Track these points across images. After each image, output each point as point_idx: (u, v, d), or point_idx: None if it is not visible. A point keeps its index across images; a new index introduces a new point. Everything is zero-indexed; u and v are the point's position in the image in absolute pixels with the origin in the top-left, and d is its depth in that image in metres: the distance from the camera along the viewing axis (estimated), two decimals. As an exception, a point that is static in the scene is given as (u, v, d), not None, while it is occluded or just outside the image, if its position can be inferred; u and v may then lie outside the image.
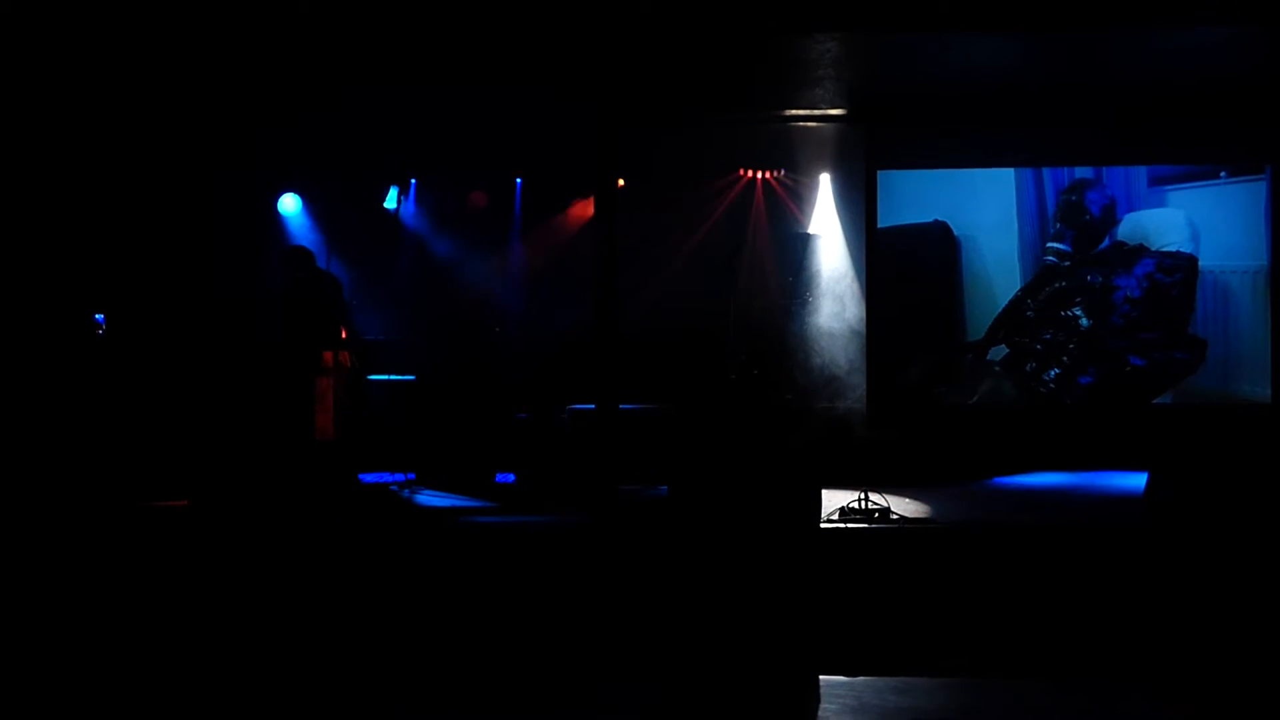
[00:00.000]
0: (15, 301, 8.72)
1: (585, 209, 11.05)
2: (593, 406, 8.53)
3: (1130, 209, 9.99)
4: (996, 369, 10.04)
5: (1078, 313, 9.94)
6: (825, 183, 10.98)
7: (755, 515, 6.54)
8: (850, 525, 7.42)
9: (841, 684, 5.70)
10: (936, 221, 10.08)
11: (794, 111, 9.72)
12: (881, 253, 10.12)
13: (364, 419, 10.09)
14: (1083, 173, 10.03)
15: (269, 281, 9.95)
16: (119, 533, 7.30)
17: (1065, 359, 9.95)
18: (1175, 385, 9.87)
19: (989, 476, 9.56)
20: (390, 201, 10.92)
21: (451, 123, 9.80)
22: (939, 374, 10.08)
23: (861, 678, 5.77)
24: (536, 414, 9.33)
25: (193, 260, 9.81)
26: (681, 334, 10.11)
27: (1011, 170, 10.10)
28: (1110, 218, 9.98)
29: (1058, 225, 10.01)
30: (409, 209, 11.33)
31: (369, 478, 9.23)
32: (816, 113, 9.75)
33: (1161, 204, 9.98)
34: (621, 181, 9.61)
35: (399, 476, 9.16)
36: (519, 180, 11.29)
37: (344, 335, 10.07)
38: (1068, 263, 9.98)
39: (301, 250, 9.28)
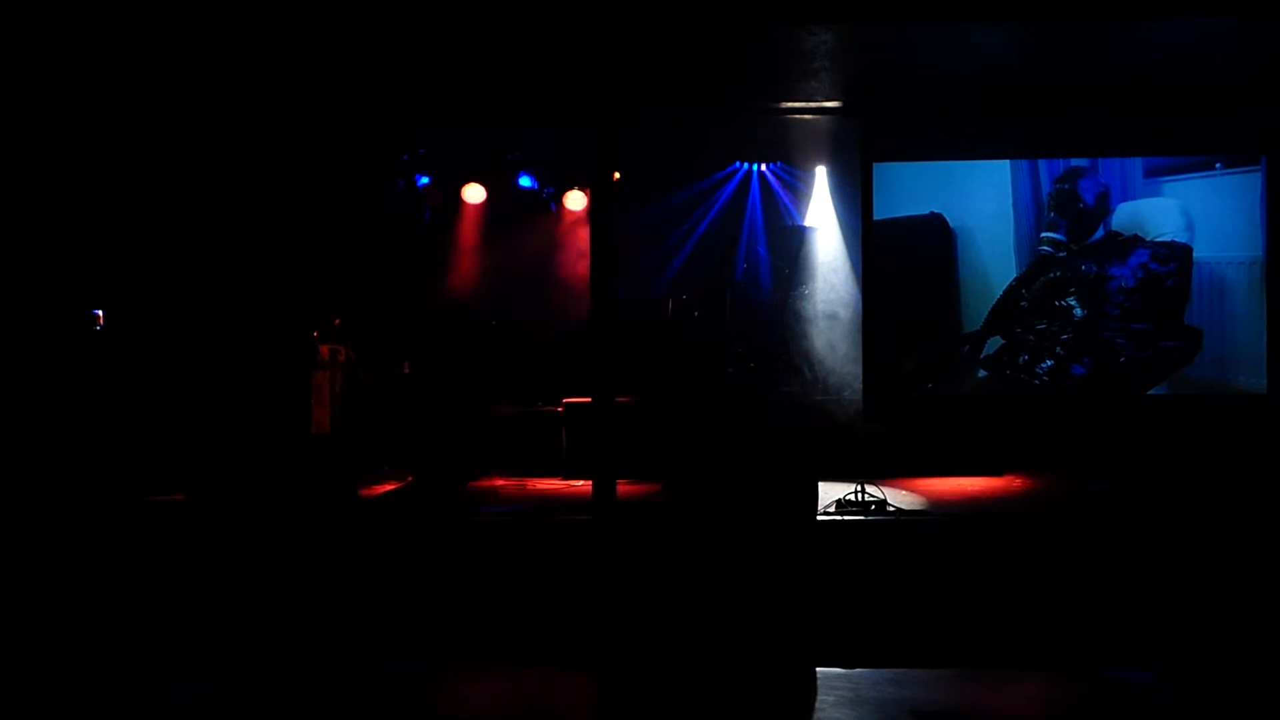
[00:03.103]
0: (14, 296, 8.71)
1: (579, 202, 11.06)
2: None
3: (1126, 200, 9.99)
4: (991, 361, 10.05)
5: (1072, 302, 9.95)
6: (821, 175, 10.99)
7: (753, 508, 6.56)
8: (847, 518, 7.43)
9: (839, 675, 5.72)
10: (932, 214, 10.08)
11: (790, 104, 9.70)
12: (878, 245, 10.11)
13: (360, 413, 10.11)
14: (1078, 164, 10.03)
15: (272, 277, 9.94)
16: (116, 527, 7.30)
17: (1059, 349, 9.95)
18: (1170, 376, 9.88)
19: (985, 469, 9.56)
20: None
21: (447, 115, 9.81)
22: (935, 366, 10.08)
23: (859, 669, 5.79)
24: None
25: (191, 254, 9.80)
26: (677, 327, 10.11)
27: (1007, 162, 10.10)
28: (1104, 206, 9.98)
29: (1051, 214, 10.02)
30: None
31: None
32: (812, 105, 9.74)
33: (1157, 195, 9.98)
34: (617, 174, 9.61)
35: None
36: (520, 175, 11.28)
37: (337, 323, 10.07)
38: (1063, 253, 9.99)
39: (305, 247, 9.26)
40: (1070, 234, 9.99)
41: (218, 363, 9.32)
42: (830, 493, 7.61)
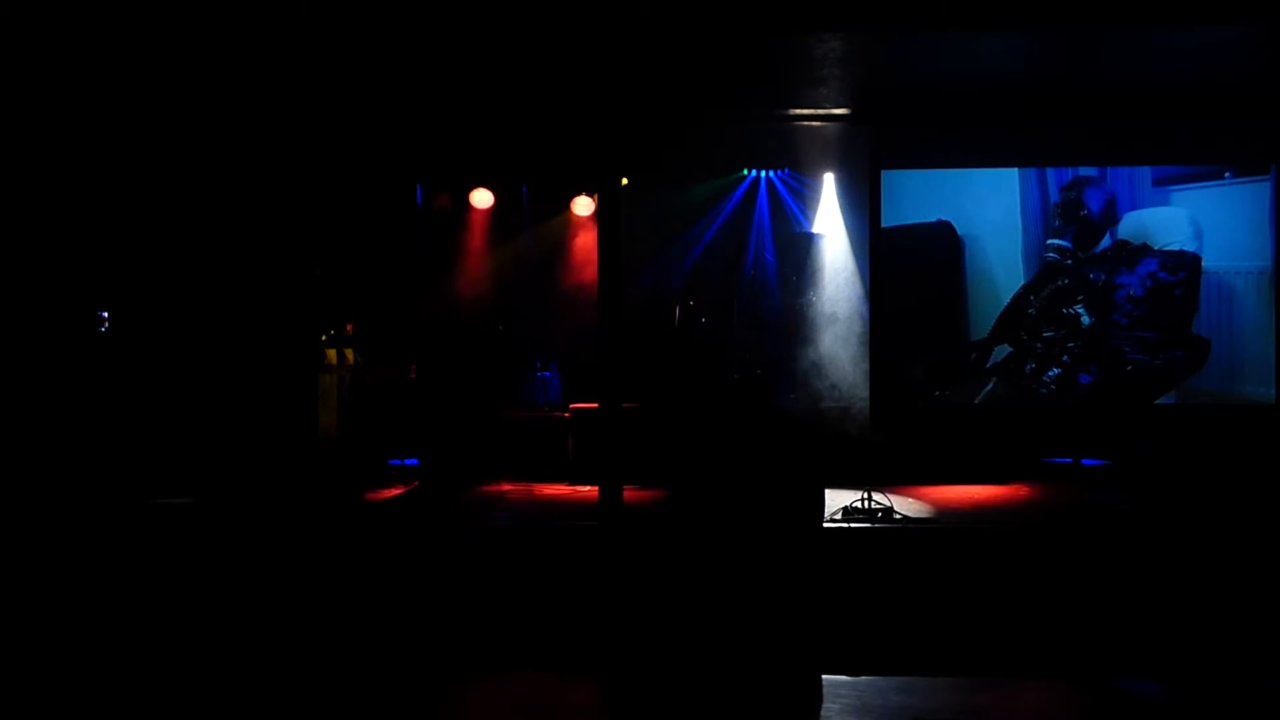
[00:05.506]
0: (20, 296, 8.73)
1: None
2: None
3: (1134, 209, 9.98)
4: (998, 369, 10.04)
5: (1079, 310, 9.94)
6: (829, 182, 10.96)
7: (759, 515, 6.55)
8: (853, 525, 7.42)
9: (844, 683, 5.70)
10: (940, 221, 10.07)
11: (798, 111, 9.72)
12: (885, 252, 10.12)
13: (367, 416, 10.11)
14: (1086, 173, 10.02)
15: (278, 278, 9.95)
16: (122, 529, 7.30)
17: (1066, 358, 9.94)
18: (1178, 385, 9.87)
19: (992, 477, 9.54)
20: None
21: (458, 123, 9.83)
22: (942, 374, 10.08)
23: (864, 677, 5.78)
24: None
25: (198, 257, 9.82)
26: (684, 334, 10.10)
27: (1015, 170, 10.10)
28: (1110, 215, 9.97)
29: (1057, 222, 10.02)
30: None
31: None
32: (821, 112, 9.76)
33: (1165, 204, 9.97)
34: (625, 180, 9.59)
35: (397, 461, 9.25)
36: (525, 186, 11.27)
37: (349, 329, 10.09)
38: (1069, 260, 9.98)
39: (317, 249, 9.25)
40: (1076, 241, 9.99)
41: (224, 366, 9.34)
42: (837, 500, 7.60)
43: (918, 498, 8.46)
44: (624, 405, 8.20)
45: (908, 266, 10.08)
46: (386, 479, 9.29)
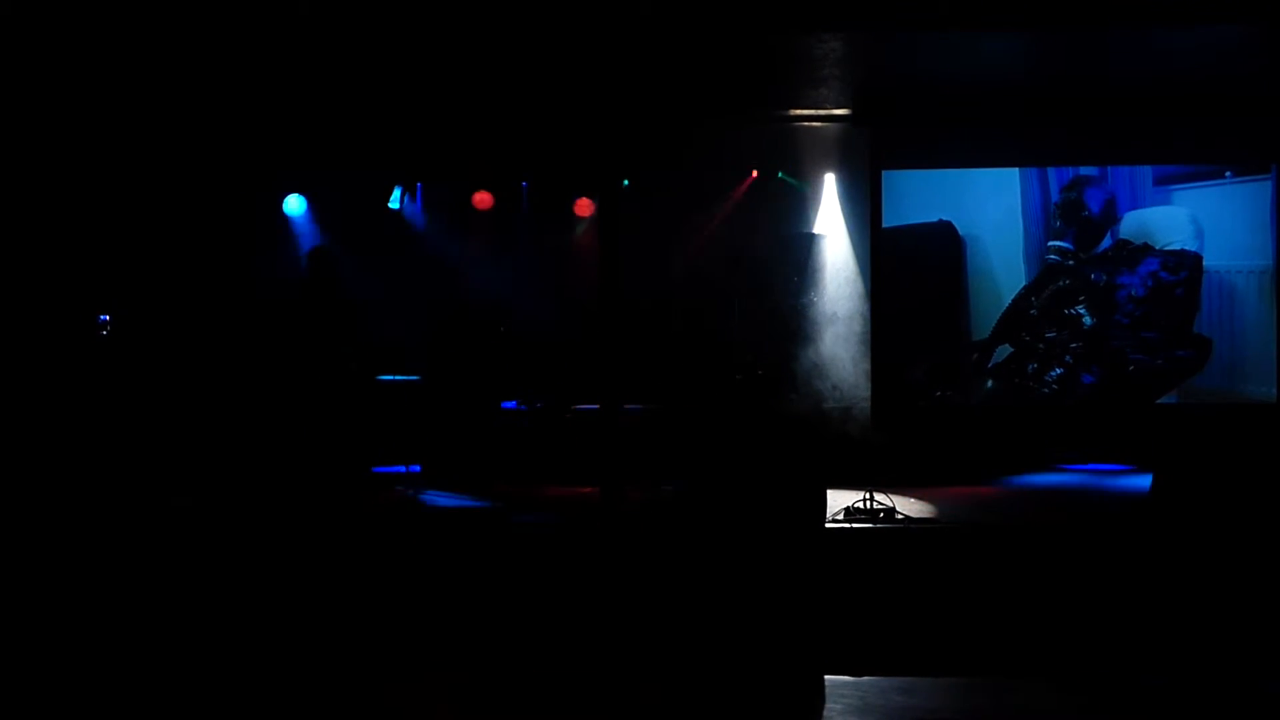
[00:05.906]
0: (22, 301, 8.73)
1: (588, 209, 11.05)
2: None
3: (1135, 208, 9.98)
4: (1000, 369, 10.03)
5: (1081, 311, 9.94)
6: (830, 182, 10.97)
7: (761, 515, 6.54)
8: (855, 525, 7.41)
9: (847, 684, 5.69)
10: (941, 221, 10.07)
11: (799, 111, 9.72)
12: (886, 253, 10.11)
13: (368, 418, 10.11)
14: (1087, 172, 10.02)
15: (277, 280, 9.94)
16: (122, 530, 7.30)
17: (1068, 358, 9.94)
18: (1179, 385, 9.86)
19: (994, 477, 9.54)
20: (394, 202, 10.91)
21: (457, 124, 9.84)
22: (944, 374, 10.07)
23: (866, 678, 5.76)
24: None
25: (199, 260, 9.82)
26: (686, 334, 10.10)
27: (1016, 170, 10.09)
28: (1111, 215, 9.97)
29: (1058, 223, 10.01)
30: (415, 210, 11.32)
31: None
32: (821, 112, 9.76)
33: (1166, 203, 9.97)
34: (626, 181, 9.61)
35: (401, 469, 9.22)
36: (525, 184, 11.27)
37: (350, 330, 10.08)
38: (1070, 261, 9.98)
39: (323, 251, 9.23)
40: (1077, 242, 9.98)
41: (224, 367, 9.34)
42: (839, 500, 7.59)
43: (919, 498, 8.45)
44: (624, 405, 8.21)
45: (909, 266, 10.08)
46: (388, 481, 9.29)
